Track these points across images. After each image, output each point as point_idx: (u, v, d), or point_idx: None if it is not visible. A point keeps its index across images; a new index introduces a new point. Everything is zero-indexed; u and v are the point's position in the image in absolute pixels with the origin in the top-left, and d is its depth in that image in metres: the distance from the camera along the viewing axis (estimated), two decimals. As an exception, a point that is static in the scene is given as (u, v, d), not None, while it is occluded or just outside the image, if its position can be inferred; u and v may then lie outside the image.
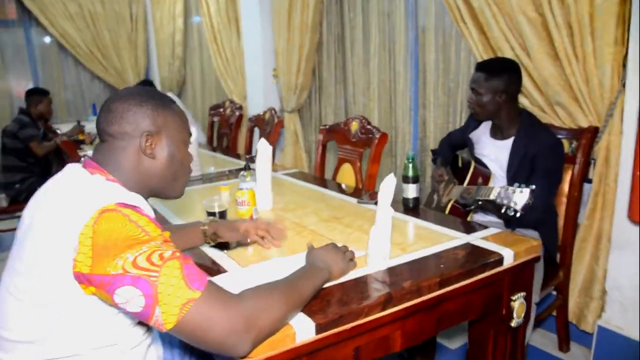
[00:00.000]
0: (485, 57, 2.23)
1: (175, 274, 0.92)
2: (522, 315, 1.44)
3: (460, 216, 2.06)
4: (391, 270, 1.30)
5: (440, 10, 2.73)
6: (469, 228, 1.59)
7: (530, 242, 1.45)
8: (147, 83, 4.43)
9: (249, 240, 1.47)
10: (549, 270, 1.98)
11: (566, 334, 2.18)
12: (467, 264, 1.31)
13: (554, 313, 2.16)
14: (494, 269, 1.35)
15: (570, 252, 2.06)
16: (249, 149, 3.77)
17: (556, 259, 2.08)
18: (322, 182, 2.37)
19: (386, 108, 3.24)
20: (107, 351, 1.02)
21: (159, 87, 6.06)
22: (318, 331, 1.07)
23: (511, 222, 1.86)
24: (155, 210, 1.97)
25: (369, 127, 2.31)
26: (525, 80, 2.10)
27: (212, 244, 1.47)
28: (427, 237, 1.54)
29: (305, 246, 1.32)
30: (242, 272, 1.35)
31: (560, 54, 1.98)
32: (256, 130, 3.69)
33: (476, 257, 1.36)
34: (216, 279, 1.28)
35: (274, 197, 1.96)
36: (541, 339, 2.31)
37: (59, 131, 4.40)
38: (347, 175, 2.41)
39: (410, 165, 1.79)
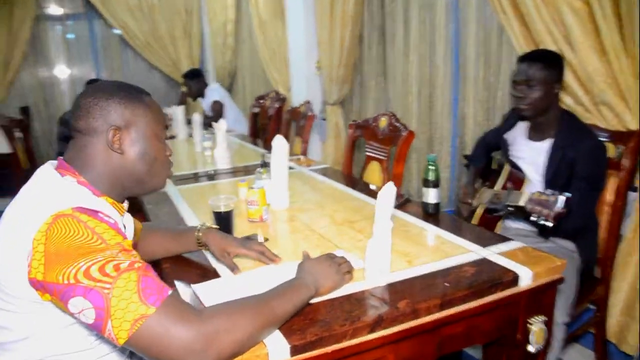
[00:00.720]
0: (527, 50, 2.02)
1: (129, 287, 0.84)
2: (542, 340, 1.27)
3: (490, 223, 1.88)
4: (389, 287, 1.16)
5: (482, 1, 2.52)
6: (487, 240, 1.42)
7: (554, 261, 1.27)
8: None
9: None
10: (587, 285, 1.78)
11: (604, 353, 1.96)
12: (475, 284, 1.16)
13: (592, 330, 1.95)
14: (507, 290, 1.19)
15: (611, 266, 1.84)
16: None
17: (595, 272, 1.87)
18: (348, 180, 2.25)
19: (425, 102, 3.06)
20: (81, 356, 0.98)
21: (213, 76, 6.10)
22: (293, 353, 0.96)
23: (545, 231, 1.67)
24: (170, 204, 1.98)
25: (396, 124, 2.16)
26: (569, 76, 1.89)
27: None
28: (439, 248, 1.39)
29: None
30: (234, 278, 1.26)
31: (607, 48, 1.76)
32: (294, 124, 3.61)
33: (488, 276, 1.20)
34: (207, 284, 1.22)
35: (293, 194, 1.87)
36: (578, 356, 2.10)
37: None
38: (374, 174, 2.28)
39: (432, 168, 1.63)
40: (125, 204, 1.11)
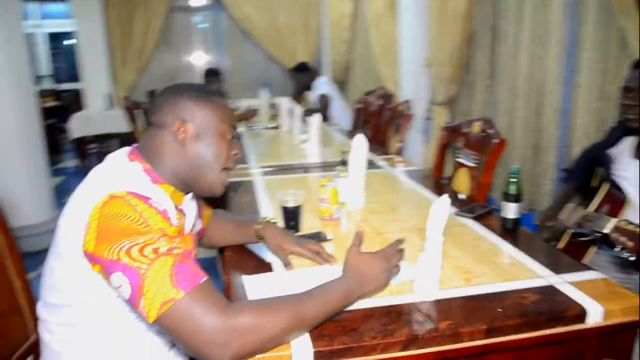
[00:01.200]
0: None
1: (164, 270, 0.89)
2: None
3: (579, 248, 1.71)
4: (435, 305, 1.10)
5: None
6: (562, 266, 1.29)
7: (634, 299, 1.12)
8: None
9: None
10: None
11: None
12: (532, 313, 1.06)
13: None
14: (570, 325, 1.07)
15: None
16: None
17: None
18: (434, 185, 2.17)
19: (533, 108, 2.85)
20: (122, 329, 1.07)
21: (328, 69, 6.18)
22: (317, 359, 0.95)
23: (628, 265, 1.48)
24: (252, 193, 2.04)
25: (490, 130, 2.03)
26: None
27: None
28: (505, 268, 1.29)
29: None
30: (285, 275, 1.28)
31: None
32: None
33: (549, 306, 1.09)
34: (257, 277, 1.25)
35: (371, 195, 1.84)
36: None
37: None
38: (462, 182, 2.17)
39: (513, 181, 1.52)
40: (188, 197, 1.17)
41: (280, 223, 1.55)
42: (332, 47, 6.03)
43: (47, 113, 6.57)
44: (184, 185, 1.13)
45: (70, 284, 1.02)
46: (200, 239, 1.46)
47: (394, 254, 1.13)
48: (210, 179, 1.14)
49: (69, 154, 7.02)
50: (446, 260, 1.27)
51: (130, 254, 0.89)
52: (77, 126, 5.68)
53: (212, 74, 4.47)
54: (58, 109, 7.12)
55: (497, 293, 1.15)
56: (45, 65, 8.27)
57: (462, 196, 1.94)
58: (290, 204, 1.58)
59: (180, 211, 1.14)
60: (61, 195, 4.35)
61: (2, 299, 1.22)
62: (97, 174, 1.05)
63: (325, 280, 1.04)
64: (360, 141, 1.80)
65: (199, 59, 6.67)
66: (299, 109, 3.34)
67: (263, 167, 2.46)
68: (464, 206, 1.73)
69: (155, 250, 0.90)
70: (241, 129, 3.98)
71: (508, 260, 1.35)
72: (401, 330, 1.00)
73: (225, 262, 1.39)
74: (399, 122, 3.12)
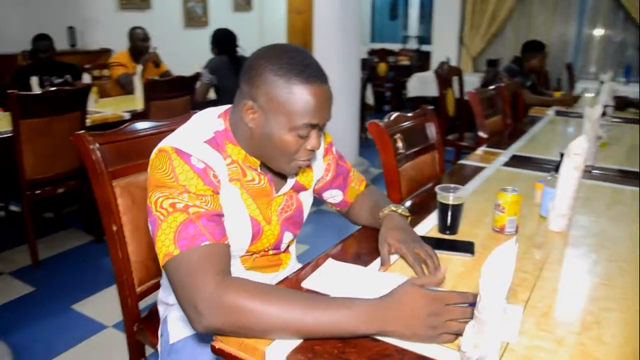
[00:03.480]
0: None
1: (172, 225, 0.92)
2: None
3: None
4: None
5: None
6: None
7: None
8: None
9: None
10: None
11: None
12: None
13: None
14: None
15: None
16: None
17: None
18: None
19: None
20: None
21: None
22: (286, 371, 0.82)
23: None
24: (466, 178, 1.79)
25: None
26: None
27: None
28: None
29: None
30: (340, 270, 1.14)
31: None
32: None
33: None
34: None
35: (590, 217, 1.41)
36: None
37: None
38: None
39: None
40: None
41: (435, 221, 1.36)
42: None
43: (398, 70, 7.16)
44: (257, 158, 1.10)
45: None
46: (343, 211, 1.42)
47: (453, 309, 0.85)
48: (277, 166, 1.08)
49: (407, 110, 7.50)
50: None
51: (156, 204, 0.95)
52: (414, 86, 6.01)
53: (534, 46, 4.00)
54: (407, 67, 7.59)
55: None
56: (414, 27, 8.92)
57: None
58: (450, 201, 1.34)
59: (260, 172, 1.13)
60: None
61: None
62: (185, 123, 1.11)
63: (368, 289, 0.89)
64: (580, 145, 1.36)
65: (552, 29, 6.01)
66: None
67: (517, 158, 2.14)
68: None
69: (173, 205, 0.94)
70: (550, 111, 3.51)
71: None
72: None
73: (344, 246, 1.31)
74: None
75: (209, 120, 1.10)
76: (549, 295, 1.05)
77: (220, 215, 1.00)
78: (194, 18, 7.31)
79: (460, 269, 1.16)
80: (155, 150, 1.01)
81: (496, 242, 1.31)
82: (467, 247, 1.26)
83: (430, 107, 1.99)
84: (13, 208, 3.19)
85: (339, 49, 3.99)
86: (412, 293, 0.86)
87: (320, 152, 1.30)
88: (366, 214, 1.36)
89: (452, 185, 1.37)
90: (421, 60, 7.27)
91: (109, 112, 3.53)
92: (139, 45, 4.42)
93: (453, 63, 5.95)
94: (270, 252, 1.24)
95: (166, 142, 1.01)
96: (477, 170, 1.95)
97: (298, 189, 1.24)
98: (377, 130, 1.64)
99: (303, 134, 1.00)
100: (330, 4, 3.99)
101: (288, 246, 1.31)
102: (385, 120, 1.77)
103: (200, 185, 0.97)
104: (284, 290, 0.90)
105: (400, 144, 1.77)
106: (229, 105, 1.14)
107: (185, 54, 5.59)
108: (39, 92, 2.95)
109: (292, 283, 1.08)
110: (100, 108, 3.75)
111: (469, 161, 2.09)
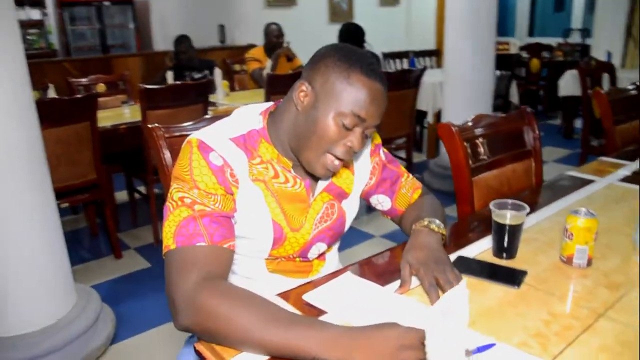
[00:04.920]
0: None
1: (176, 219, 0.94)
2: None
3: None
4: None
5: None
6: None
7: None
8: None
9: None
10: None
11: None
12: None
13: None
14: None
15: None
16: None
17: None
18: None
19: None
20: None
21: None
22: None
23: None
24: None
25: None
26: None
27: None
28: None
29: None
30: (354, 286, 1.04)
31: None
32: None
33: None
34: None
35: None
36: None
37: None
38: None
39: None
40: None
41: (490, 243, 1.18)
42: None
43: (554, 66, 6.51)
44: (293, 152, 1.06)
45: None
46: (395, 220, 1.32)
47: (418, 345, 0.74)
48: (309, 156, 1.02)
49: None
50: None
51: (170, 194, 0.98)
52: (567, 84, 5.38)
53: None
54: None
55: None
56: (578, 18, 8.01)
57: None
58: (507, 221, 1.15)
59: (295, 175, 1.10)
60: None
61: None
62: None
63: (392, 317, 0.82)
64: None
65: None
66: None
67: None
68: None
69: (182, 199, 0.96)
70: None
71: None
72: None
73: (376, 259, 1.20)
74: None
75: (247, 117, 1.09)
76: (592, 355, 0.83)
77: (228, 217, 0.99)
78: (338, 13, 7.40)
79: (491, 301, 0.99)
80: (186, 139, 1.02)
81: (559, 273, 1.10)
82: (514, 277, 1.07)
83: (530, 110, 1.73)
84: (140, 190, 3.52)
85: (468, 44, 3.72)
86: (383, 333, 0.77)
87: (364, 155, 1.22)
88: (408, 224, 1.23)
89: (510, 201, 1.17)
90: (582, 55, 6.50)
91: (234, 105, 3.73)
92: (273, 41, 4.60)
93: (616, 59, 5.22)
94: (297, 258, 1.18)
95: (195, 134, 1.02)
96: (584, 183, 1.66)
97: (336, 193, 1.17)
98: (446, 133, 1.47)
99: (348, 124, 0.97)
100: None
101: (323, 254, 1.24)
102: (465, 121, 1.58)
103: (212, 182, 0.97)
104: (258, 300, 0.86)
105: (481, 150, 1.57)
106: (271, 103, 1.12)
107: (330, 47, 5.65)
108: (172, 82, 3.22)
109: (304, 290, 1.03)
110: (229, 101, 3.98)
111: (578, 172, 1.79)
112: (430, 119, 4.75)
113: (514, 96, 5.60)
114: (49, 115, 2.54)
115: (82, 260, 3.06)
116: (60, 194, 2.79)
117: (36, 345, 1.97)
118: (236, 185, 1.01)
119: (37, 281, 2.01)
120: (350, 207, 1.21)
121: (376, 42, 6.87)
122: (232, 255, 0.98)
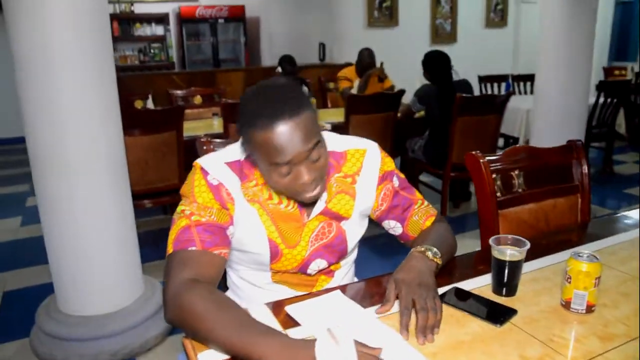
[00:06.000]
0: None
1: (176, 228, 1.08)
2: None
3: None
4: None
5: None
6: None
7: None
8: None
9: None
10: None
11: None
12: None
13: None
14: None
15: None
16: None
17: None
18: None
19: None
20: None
21: None
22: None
23: None
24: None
25: None
26: None
27: None
28: None
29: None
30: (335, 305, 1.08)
31: None
32: None
33: None
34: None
35: None
36: None
37: None
38: None
39: None
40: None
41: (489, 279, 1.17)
42: None
43: None
44: None
45: None
46: (408, 245, 1.33)
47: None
48: (283, 195, 1.15)
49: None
50: None
51: (177, 209, 1.12)
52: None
53: None
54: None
55: None
56: None
57: None
58: (507, 257, 1.13)
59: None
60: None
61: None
62: None
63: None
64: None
65: None
66: None
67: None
68: None
69: (183, 211, 1.10)
70: None
71: None
72: None
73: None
74: None
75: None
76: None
77: (222, 228, 1.10)
78: (441, 35, 7.33)
79: (465, 336, 0.99)
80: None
81: (553, 317, 1.06)
82: (499, 315, 1.05)
83: (580, 142, 1.65)
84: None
85: (561, 66, 3.54)
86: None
87: (368, 179, 1.24)
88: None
89: (511, 236, 1.15)
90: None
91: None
92: (364, 63, 4.69)
93: None
94: (299, 273, 1.25)
95: (199, 159, 1.16)
96: (635, 225, 1.54)
97: (333, 217, 1.23)
98: (473, 163, 1.46)
99: (284, 172, 1.03)
100: (555, 18, 3.55)
101: (331, 271, 1.29)
102: (502, 153, 1.55)
103: (208, 198, 1.10)
104: (229, 305, 0.96)
105: (515, 182, 1.53)
106: None
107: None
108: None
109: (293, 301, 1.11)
110: (314, 118, 4.10)
111: (634, 214, 1.66)
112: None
113: (621, 126, 5.19)
114: (140, 124, 2.84)
115: (161, 257, 3.32)
116: (146, 195, 3.10)
117: (101, 327, 2.21)
118: (232, 202, 1.13)
119: (109, 270, 2.26)
120: (353, 227, 1.25)
121: (480, 66, 6.73)
122: (223, 261, 1.08)
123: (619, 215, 1.67)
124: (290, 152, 1.00)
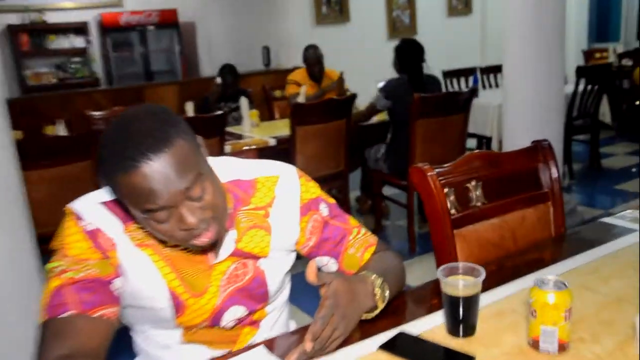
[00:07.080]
0: None
1: (47, 290, 0.99)
2: None
3: None
4: None
5: None
6: None
7: None
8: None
9: None
10: None
11: None
12: None
13: None
14: None
15: None
16: None
17: None
18: None
19: None
20: None
21: None
22: None
23: None
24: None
25: None
26: None
27: None
28: None
29: None
30: None
31: None
32: None
33: None
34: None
35: None
36: None
37: None
38: None
39: None
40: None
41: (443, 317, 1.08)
42: None
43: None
44: None
45: None
46: None
47: None
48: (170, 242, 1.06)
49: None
50: None
51: (47, 265, 1.03)
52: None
53: None
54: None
55: None
56: None
57: None
58: (459, 291, 1.04)
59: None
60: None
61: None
62: None
63: None
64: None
65: None
66: None
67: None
68: None
69: (53, 269, 1.01)
70: None
71: None
72: None
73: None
74: None
75: None
76: None
77: (105, 282, 1.01)
78: (399, 28, 7.37)
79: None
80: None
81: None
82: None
83: (546, 142, 1.59)
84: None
85: (530, 53, 3.51)
86: None
87: (287, 210, 1.16)
88: None
89: (462, 264, 1.06)
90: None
91: (262, 137, 3.76)
92: (311, 63, 4.62)
93: None
94: (216, 327, 1.14)
95: (71, 203, 1.06)
96: (619, 233, 1.48)
97: (248, 257, 1.13)
98: (419, 177, 1.37)
99: (162, 218, 0.93)
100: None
101: (252, 321, 1.19)
102: (454, 161, 1.47)
103: (85, 248, 1.01)
104: None
105: (472, 195, 1.46)
106: None
107: (389, 66, 5.55)
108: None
109: None
110: (258, 132, 4.02)
111: (617, 220, 1.60)
112: (495, 145, 4.55)
113: (605, 115, 5.25)
114: (47, 154, 2.70)
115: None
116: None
117: None
118: (114, 249, 1.03)
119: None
120: (273, 266, 1.18)
121: (444, 59, 6.74)
122: (108, 325, 1.00)
123: (603, 220, 1.61)
124: (161, 195, 0.89)
